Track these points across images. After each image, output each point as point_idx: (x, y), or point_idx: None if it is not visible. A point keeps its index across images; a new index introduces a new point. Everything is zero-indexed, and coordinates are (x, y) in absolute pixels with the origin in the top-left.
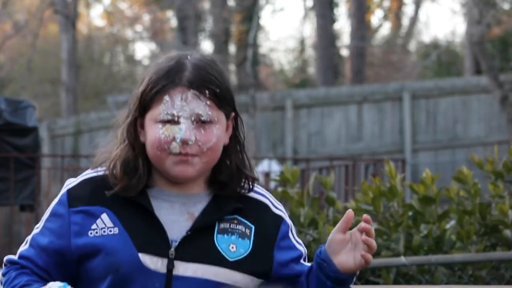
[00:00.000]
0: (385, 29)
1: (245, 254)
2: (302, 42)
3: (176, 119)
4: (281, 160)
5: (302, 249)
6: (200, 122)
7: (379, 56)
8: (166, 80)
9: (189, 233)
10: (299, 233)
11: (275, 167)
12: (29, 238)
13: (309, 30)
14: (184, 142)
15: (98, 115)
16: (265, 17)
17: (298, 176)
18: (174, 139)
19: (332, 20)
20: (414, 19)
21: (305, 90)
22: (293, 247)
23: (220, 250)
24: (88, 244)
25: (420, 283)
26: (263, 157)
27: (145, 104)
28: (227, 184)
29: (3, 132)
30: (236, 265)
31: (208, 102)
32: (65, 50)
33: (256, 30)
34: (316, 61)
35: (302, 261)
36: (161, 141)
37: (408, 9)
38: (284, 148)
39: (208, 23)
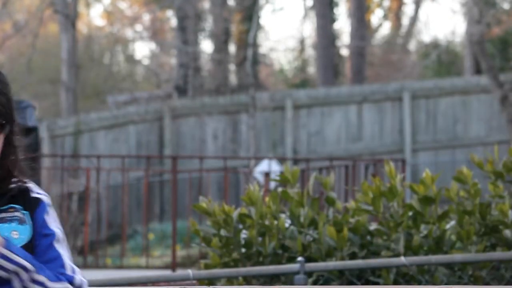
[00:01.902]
0: (385, 29)
1: (27, 239)
2: (302, 42)
3: None
4: (281, 160)
5: (57, 231)
6: None
7: (379, 56)
8: None
9: None
10: (299, 233)
11: (275, 167)
12: None
13: (309, 30)
14: None
15: (98, 115)
16: (265, 16)
17: (298, 176)
18: None
19: (332, 20)
20: (414, 19)
21: (305, 90)
22: (46, 228)
23: None
24: None
25: (420, 283)
26: (263, 157)
27: None
28: None
29: None
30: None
31: None
32: (65, 50)
33: (256, 30)
34: (316, 61)
35: (54, 243)
36: None
37: (408, 9)
38: (284, 148)
39: (208, 23)
